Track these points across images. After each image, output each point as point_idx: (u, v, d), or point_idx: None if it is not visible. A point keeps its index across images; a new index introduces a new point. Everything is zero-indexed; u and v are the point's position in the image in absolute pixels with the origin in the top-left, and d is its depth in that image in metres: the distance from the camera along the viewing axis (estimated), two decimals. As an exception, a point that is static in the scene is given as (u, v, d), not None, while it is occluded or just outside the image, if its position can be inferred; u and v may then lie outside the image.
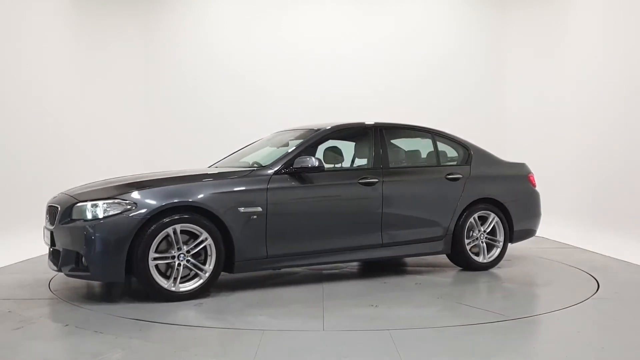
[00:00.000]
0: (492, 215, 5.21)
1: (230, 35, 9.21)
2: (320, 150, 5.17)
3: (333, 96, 8.97)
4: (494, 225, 5.23)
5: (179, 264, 3.97)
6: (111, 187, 4.21)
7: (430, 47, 9.26)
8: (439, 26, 9.35)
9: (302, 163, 4.42)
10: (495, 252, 5.23)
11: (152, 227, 3.87)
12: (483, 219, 5.21)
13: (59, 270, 4.08)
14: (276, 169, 4.44)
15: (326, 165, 4.89)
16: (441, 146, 5.39)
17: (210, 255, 4.07)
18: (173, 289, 3.95)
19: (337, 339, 3.16)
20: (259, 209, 4.23)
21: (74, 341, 3.15)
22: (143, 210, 3.88)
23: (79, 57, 8.83)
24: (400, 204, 4.86)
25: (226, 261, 4.17)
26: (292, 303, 4.04)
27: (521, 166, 5.69)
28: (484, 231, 5.19)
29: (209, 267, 4.06)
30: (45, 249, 4.63)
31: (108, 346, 2.98)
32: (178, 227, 3.95)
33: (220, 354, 2.89)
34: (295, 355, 2.87)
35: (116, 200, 3.93)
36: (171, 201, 3.96)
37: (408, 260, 5.67)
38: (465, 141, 5.46)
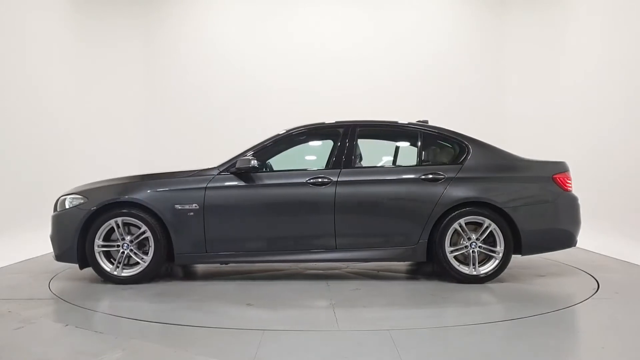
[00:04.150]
0: (487, 221, 4.55)
1: (231, 34, 9.21)
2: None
3: (336, 94, 8.98)
4: (492, 233, 4.57)
5: (123, 252, 4.57)
6: (85, 184, 4.92)
7: (432, 46, 9.28)
8: (441, 25, 9.37)
9: (242, 164, 4.59)
10: (493, 264, 4.57)
11: (98, 219, 4.54)
12: (480, 226, 4.59)
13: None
14: (222, 169, 4.70)
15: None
16: (431, 144, 4.97)
17: (151, 247, 4.54)
18: (115, 273, 4.57)
19: (337, 338, 3.16)
20: (195, 206, 4.54)
21: (74, 341, 3.15)
22: (91, 205, 4.57)
23: (80, 58, 8.83)
24: (357, 206, 4.59)
25: (170, 253, 4.61)
26: (188, 295, 4.23)
27: (547, 165, 4.83)
28: (476, 239, 4.56)
29: (149, 257, 4.54)
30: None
31: (108, 346, 2.98)
32: (120, 220, 4.55)
33: (220, 354, 2.88)
34: (295, 355, 2.87)
35: (77, 195, 4.69)
36: (112, 197, 4.58)
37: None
38: (464, 139, 4.87)
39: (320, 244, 4.59)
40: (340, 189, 4.58)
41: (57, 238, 4.66)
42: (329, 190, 4.58)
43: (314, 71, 9.16)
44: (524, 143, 8.67)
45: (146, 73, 9.31)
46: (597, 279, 4.79)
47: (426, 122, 5.18)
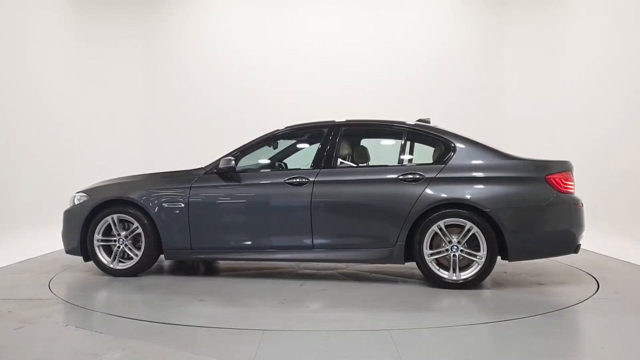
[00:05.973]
0: (469, 224, 4.29)
1: (231, 34, 9.21)
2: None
3: (336, 94, 8.95)
4: (476, 237, 4.30)
5: (119, 247, 4.88)
6: (95, 182, 5.25)
7: (432, 46, 9.26)
8: (441, 25, 9.36)
9: (223, 164, 4.73)
10: (475, 269, 4.31)
11: (97, 216, 4.86)
12: (464, 228, 4.33)
13: None
14: (208, 169, 4.87)
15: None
16: (416, 144, 4.84)
17: (143, 242, 4.80)
18: (111, 266, 4.88)
19: (337, 338, 3.16)
20: (181, 204, 4.75)
21: (74, 341, 3.15)
22: (91, 202, 4.91)
23: (79, 58, 8.82)
24: (333, 206, 4.56)
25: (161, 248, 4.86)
26: (157, 289, 4.47)
27: (540, 165, 4.44)
28: (457, 242, 4.32)
29: (141, 251, 4.82)
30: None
31: (108, 346, 2.98)
32: (115, 217, 4.86)
33: (220, 354, 2.88)
34: (295, 355, 2.87)
35: (83, 193, 5.04)
36: (108, 196, 4.89)
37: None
38: (452, 137, 4.62)
39: (297, 243, 4.61)
40: (317, 189, 4.56)
41: (66, 232, 5.04)
42: (306, 190, 4.58)
43: (314, 71, 9.15)
44: (524, 143, 8.67)
45: (146, 73, 9.30)
46: (597, 279, 4.79)
47: (428, 120, 5.14)
